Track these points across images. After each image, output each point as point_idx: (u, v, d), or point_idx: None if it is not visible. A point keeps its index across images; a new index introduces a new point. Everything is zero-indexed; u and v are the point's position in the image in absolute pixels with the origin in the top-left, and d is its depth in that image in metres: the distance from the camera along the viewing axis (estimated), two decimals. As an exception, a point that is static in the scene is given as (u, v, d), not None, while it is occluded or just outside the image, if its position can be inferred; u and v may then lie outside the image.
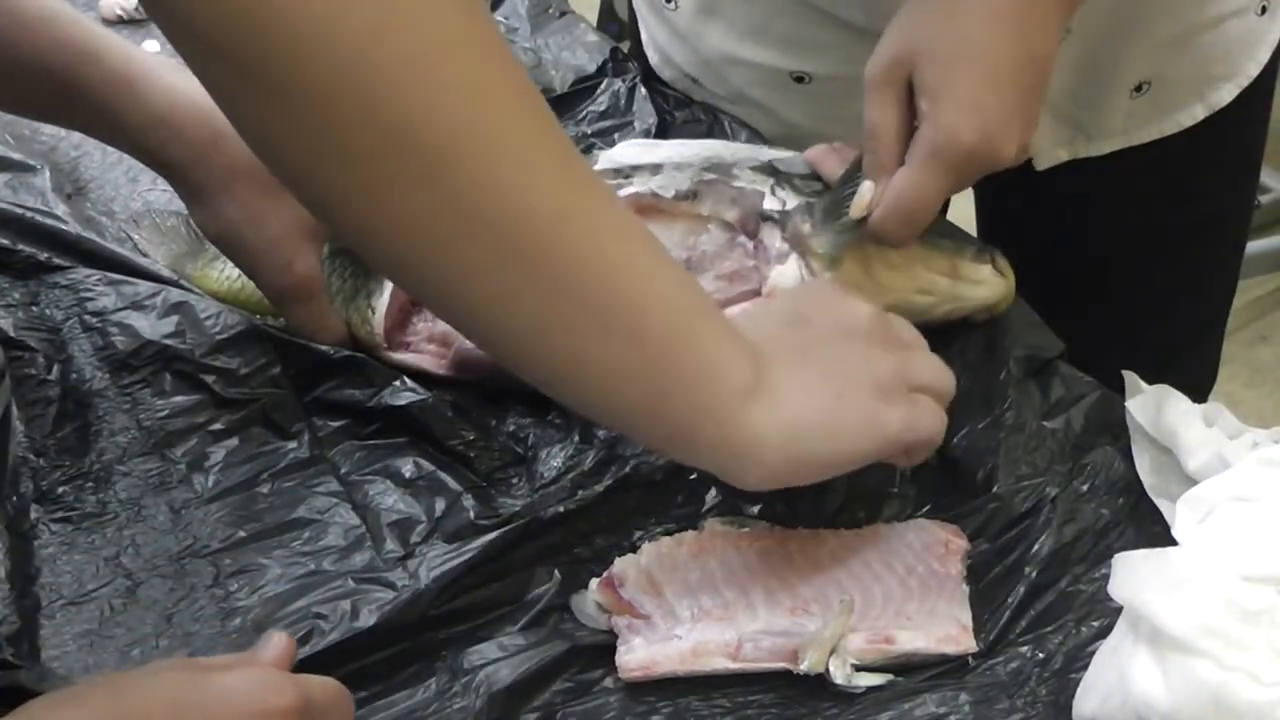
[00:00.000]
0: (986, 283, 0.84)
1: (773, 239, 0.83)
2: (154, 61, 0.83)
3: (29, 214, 0.95)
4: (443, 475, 0.79)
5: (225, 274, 0.91)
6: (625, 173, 0.88)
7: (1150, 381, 0.82)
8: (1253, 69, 1.05)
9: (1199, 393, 1.19)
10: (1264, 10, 1.02)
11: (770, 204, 0.84)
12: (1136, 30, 0.98)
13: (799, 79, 1.03)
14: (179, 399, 0.84)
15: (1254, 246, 2.31)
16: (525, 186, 0.62)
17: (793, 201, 0.84)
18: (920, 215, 0.79)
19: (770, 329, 0.72)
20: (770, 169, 0.87)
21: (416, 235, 0.62)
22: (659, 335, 0.66)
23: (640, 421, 0.69)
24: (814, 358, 0.70)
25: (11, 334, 0.86)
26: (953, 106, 0.78)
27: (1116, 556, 0.66)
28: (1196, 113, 1.04)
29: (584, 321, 0.64)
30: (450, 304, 0.66)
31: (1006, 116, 0.78)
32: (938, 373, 0.74)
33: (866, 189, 0.80)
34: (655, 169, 0.87)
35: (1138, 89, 1.00)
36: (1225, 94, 1.04)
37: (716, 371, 0.67)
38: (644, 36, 1.13)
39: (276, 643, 0.63)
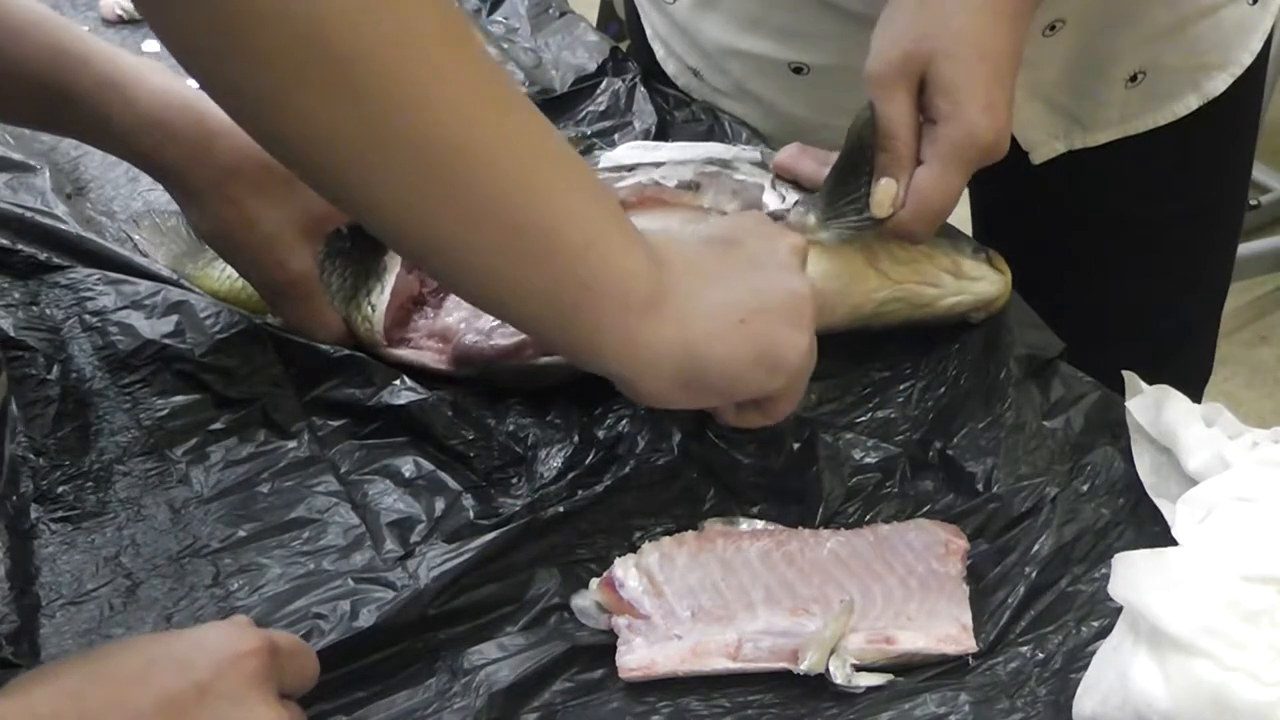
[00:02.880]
0: (986, 278, 0.85)
1: None
2: (143, 64, 0.83)
3: (29, 214, 0.95)
4: (442, 475, 0.79)
5: (225, 274, 0.91)
6: (629, 166, 0.88)
7: (1147, 378, 0.82)
8: (1246, 58, 1.05)
9: (1195, 387, 1.20)
10: (1255, 0, 1.03)
11: (770, 199, 0.84)
12: (1131, 20, 0.98)
13: (797, 70, 1.03)
14: (179, 398, 0.84)
15: (1254, 246, 2.32)
16: (433, 99, 0.62)
17: (793, 197, 0.84)
18: (944, 214, 0.81)
19: (692, 246, 0.74)
20: (768, 165, 0.87)
21: (324, 142, 0.63)
22: (566, 251, 0.67)
23: (547, 331, 0.71)
24: (728, 281, 0.71)
25: (11, 334, 0.86)
26: (976, 107, 0.79)
27: (1116, 556, 0.66)
28: (1190, 102, 1.04)
29: (491, 236, 0.66)
30: (362, 210, 0.67)
31: (1009, 114, 0.79)
32: (814, 344, 0.74)
33: (887, 187, 0.80)
34: (657, 166, 0.88)
35: (1132, 79, 1.01)
36: (1219, 83, 1.05)
37: (622, 287, 0.68)
38: (648, 31, 1.13)
39: (238, 618, 0.66)
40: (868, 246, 0.82)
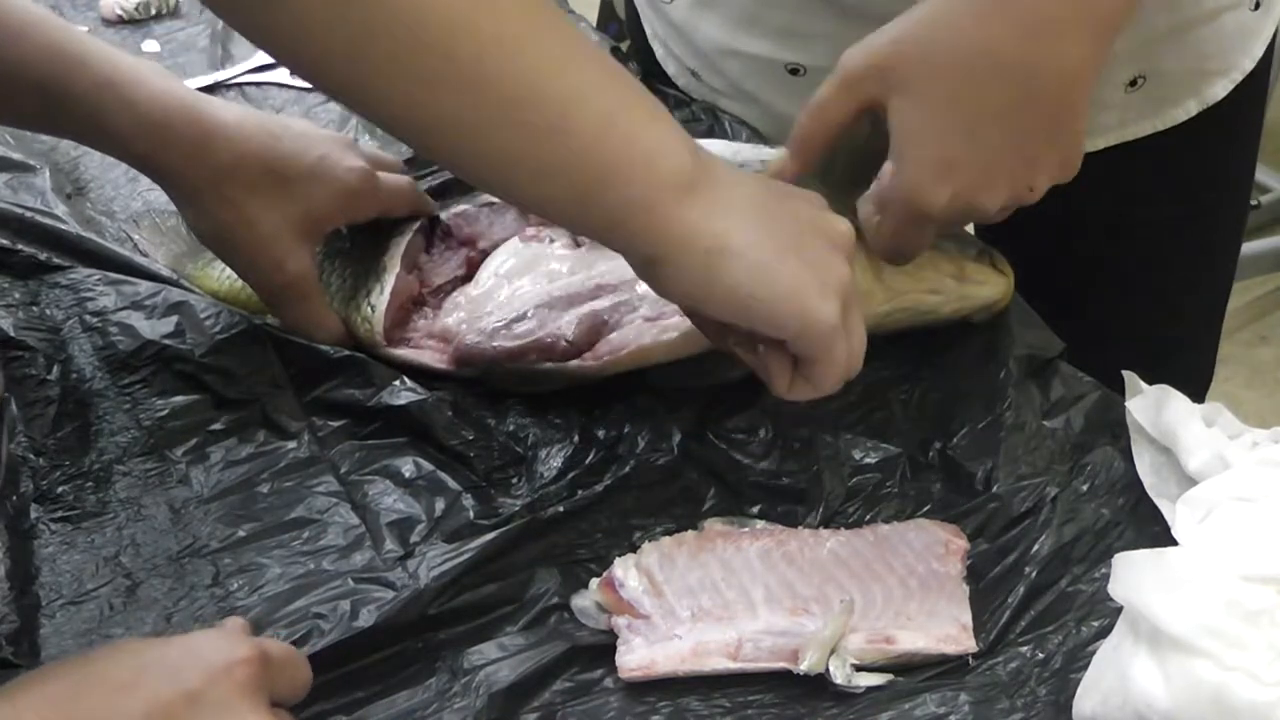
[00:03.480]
0: (990, 282, 0.85)
1: None
2: (141, 66, 0.83)
3: (29, 214, 0.95)
4: (442, 475, 0.79)
5: (225, 274, 0.91)
6: None
7: (1148, 379, 0.82)
8: (1247, 63, 1.05)
9: (1196, 391, 1.19)
10: (1258, 5, 1.02)
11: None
12: (1131, 24, 0.98)
13: (793, 71, 1.03)
14: (179, 399, 0.84)
15: (1254, 246, 2.32)
16: None
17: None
18: (909, 256, 0.80)
19: (748, 178, 0.72)
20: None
21: (320, 35, 0.63)
22: (583, 127, 0.66)
23: (574, 212, 0.70)
24: (776, 217, 0.70)
25: (12, 334, 0.86)
26: (919, 167, 0.76)
27: (1116, 556, 0.66)
28: (1190, 107, 1.04)
29: (497, 118, 0.65)
30: (366, 102, 0.67)
31: (985, 173, 0.76)
32: (861, 344, 0.73)
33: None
34: None
35: (1132, 83, 1.00)
36: (1219, 89, 1.04)
37: (648, 158, 0.67)
38: (647, 31, 1.14)
39: (231, 623, 0.66)
40: (873, 260, 0.82)
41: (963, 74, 0.75)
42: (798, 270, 0.69)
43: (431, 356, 0.85)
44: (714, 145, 0.92)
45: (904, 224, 0.78)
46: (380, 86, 0.65)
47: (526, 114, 0.65)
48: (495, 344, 0.82)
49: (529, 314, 0.83)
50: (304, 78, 0.68)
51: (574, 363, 0.81)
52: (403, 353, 0.86)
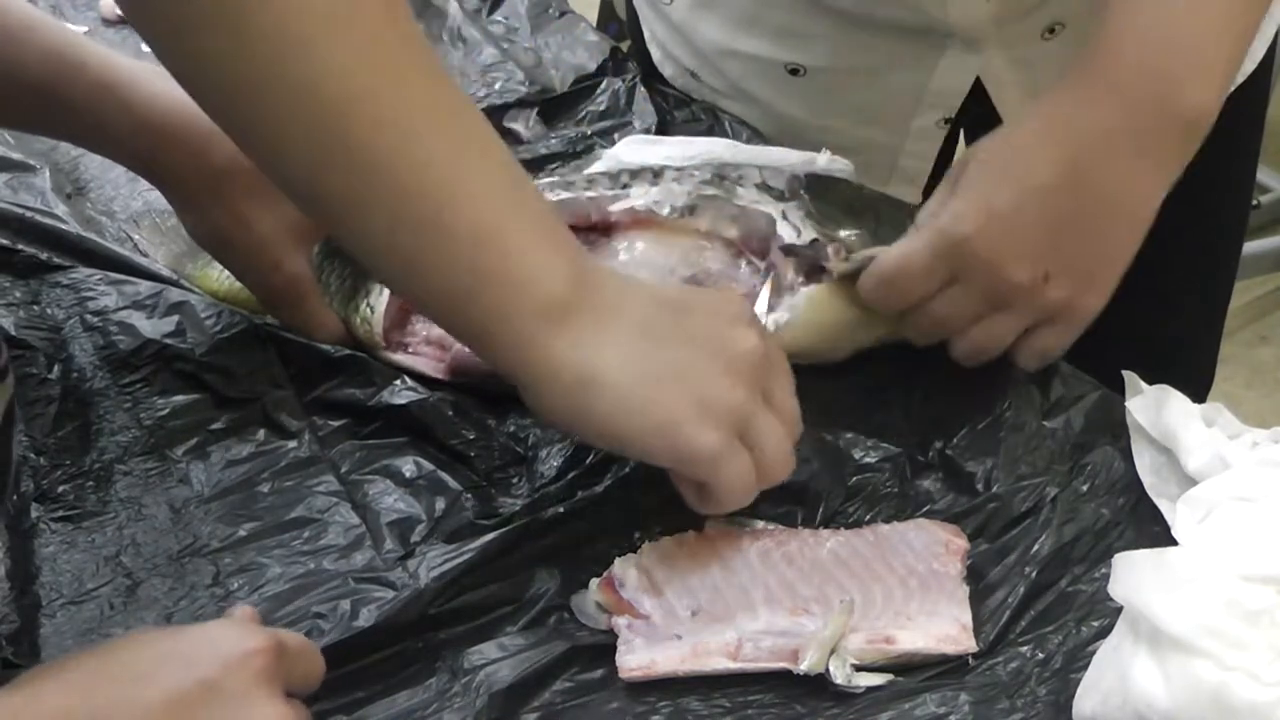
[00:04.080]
0: None
1: (786, 270, 0.83)
2: (139, 68, 0.83)
3: (29, 214, 0.95)
4: (443, 475, 0.79)
5: (225, 274, 0.91)
6: (623, 182, 0.87)
7: (1150, 381, 0.82)
8: (1248, 65, 1.05)
9: (1198, 392, 1.19)
10: None
11: (785, 231, 0.83)
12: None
13: (793, 71, 1.04)
14: (179, 398, 0.84)
15: (1254, 246, 2.32)
16: (322, 50, 0.62)
17: (809, 233, 0.83)
18: (898, 283, 0.79)
19: (641, 297, 0.71)
20: (774, 190, 0.86)
21: (214, 80, 0.63)
22: (461, 232, 0.65)
23: (445, 315, 0.70)
24: (659, 340, 0.69)
25: (13, 333, 0.86)
26: (965, 198, 0.78)
27: (1116, 556, 0.66)
28: None
29: (379, 203, 0.65)
30: (255, 154, 0.67)
31: (1024, 234, 0.77)
32: (778, 453, 0.71)
33: (866, 254, 0.81)
34: (655, 175, 0.87)
35: None
36: None
37: (522, 279, 0.66)
38: (645, 34, 1.14)
39: (241, 613, 0.66)
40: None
41: (1030, 142, 0.79)
42: (674, 400, 0.67)
43: (428, 364, 0.85)
44: (715, 145, 0.92)
45: (927, 247, 0.78)
46: (265, 144, 0.65)
47: (409, 205, 0.65)
48: None
49: None
50: (213, 118, 0.68)
51: None
52: (400, 358, 0.86)
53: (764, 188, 0.86)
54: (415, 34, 0.66)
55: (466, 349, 0.83)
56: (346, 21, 0.63)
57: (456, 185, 0.65)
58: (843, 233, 0.82)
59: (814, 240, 0.82)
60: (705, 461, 0.69)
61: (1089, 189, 0.78)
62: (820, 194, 0.87)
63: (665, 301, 0.71)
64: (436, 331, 0.86)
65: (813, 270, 0.82)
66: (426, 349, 0.86)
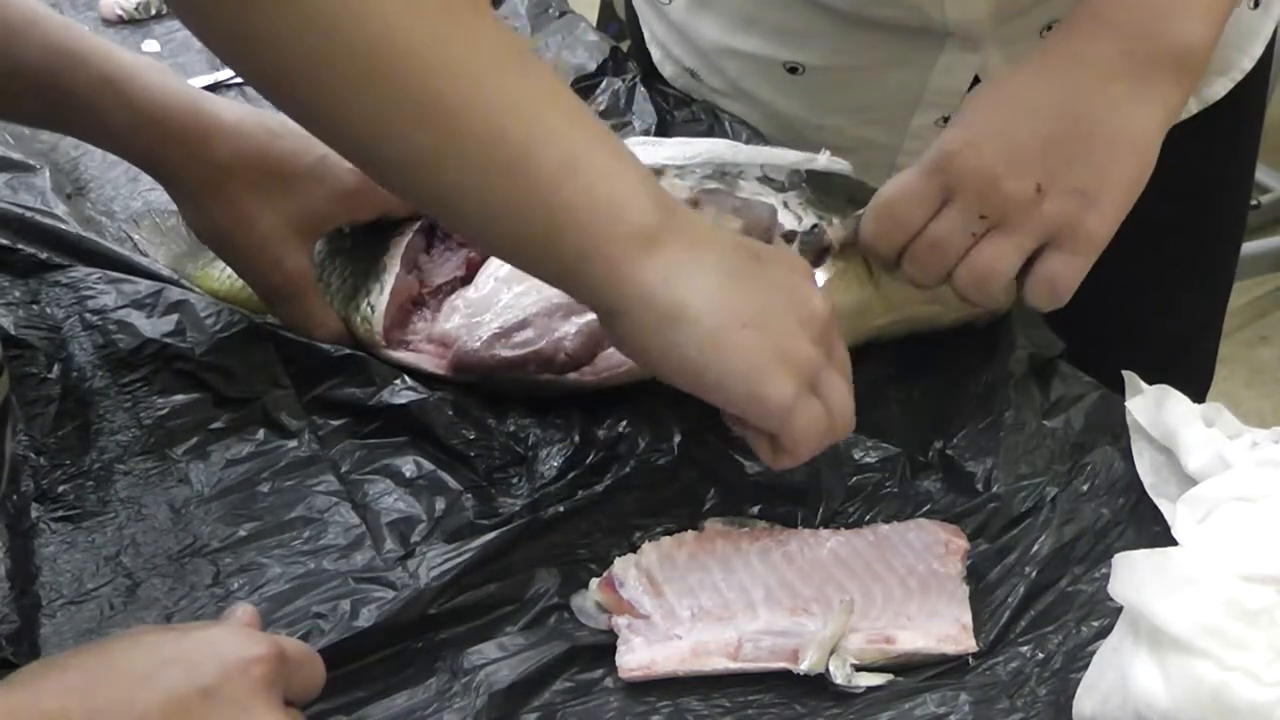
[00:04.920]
0: None
1: None
2: (141, 63, 0.83)
3: (29, 214, 0.94)
4: (443, 475, 0.79)
5: (225, 273, 0.91)
6: None
7: (1150, 381, 0.82)
8: (1246, 63, 1.05)
9: (1198, 392, 1.19)
10: (1257, 4, 1.02)
11: (786, 219, 0.84)
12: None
13: (792, 70, 1.04)
14: (179, 397, 0.84)
15: (1254, 246, 2.32)
16: (389, 11, 0.62)
17: (809, 219, 0.83)
18: (894, 208, 0.79)
19: (720, 236, 0.71)
20: (775, 182, 0.86)
21: (283, 58, 0.63)
22: (544, 170, 0.65)
23: (530, 256, 0.69)
24: (744, 284, 0.68)
25: (12, 332, 0.86)
26: (956, 123, 0.79)
27: (1116, 556, 0.66)
28: (1190, 106, 1.04)
29: (459, 152, 0.64)
30: (326, 128, 0.67)
31: (1013, 148, 0.77)
32: (846, 407, 0.71)
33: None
34: (657, 174, 0.87)
35: None
36: (1219, 88, 1.04)
37: (611, 208, 0.66)
38: (645, 33, 1.14)
39: (242, 613, 0.65)
40: (873, 272, 0.82)
41: (1023, 74, 0.80)
42: (756, 343, 0.67)
43: (430, 361, 0.85)
44: (715, 145, 0.92)
45: (924, 166, 0.79)
46: (340, 115, 0.65)
47: (487, 150, 0.64)
48: (494, 352, 0.82)
49: (528, 322, 0.82)
50: (271, 100, 0.67)
51: (572, 375, 0.81)
52: (401, 356, 0.86)
53: (765, 180, 0.86)
54: None
55: (467, 346, 0.83)
56: None
57: (534, 125, 0.65)
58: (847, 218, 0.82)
59: (814, 226, 0.82)
60: (780, 411, 0.68)
61: (1080, 111, 0.78)
62: (820, 186, 0.87)
63: (743, 246, 0.71)
64: (438, 329, 0.86)
65: (815, 258, 0.82)
66: (427, 347, 0.86)
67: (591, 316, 0.81)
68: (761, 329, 0.67)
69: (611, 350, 0.81)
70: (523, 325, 0.82)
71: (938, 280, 0.80)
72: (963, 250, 0.79)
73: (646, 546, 0.74)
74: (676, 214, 0.68)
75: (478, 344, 0.83)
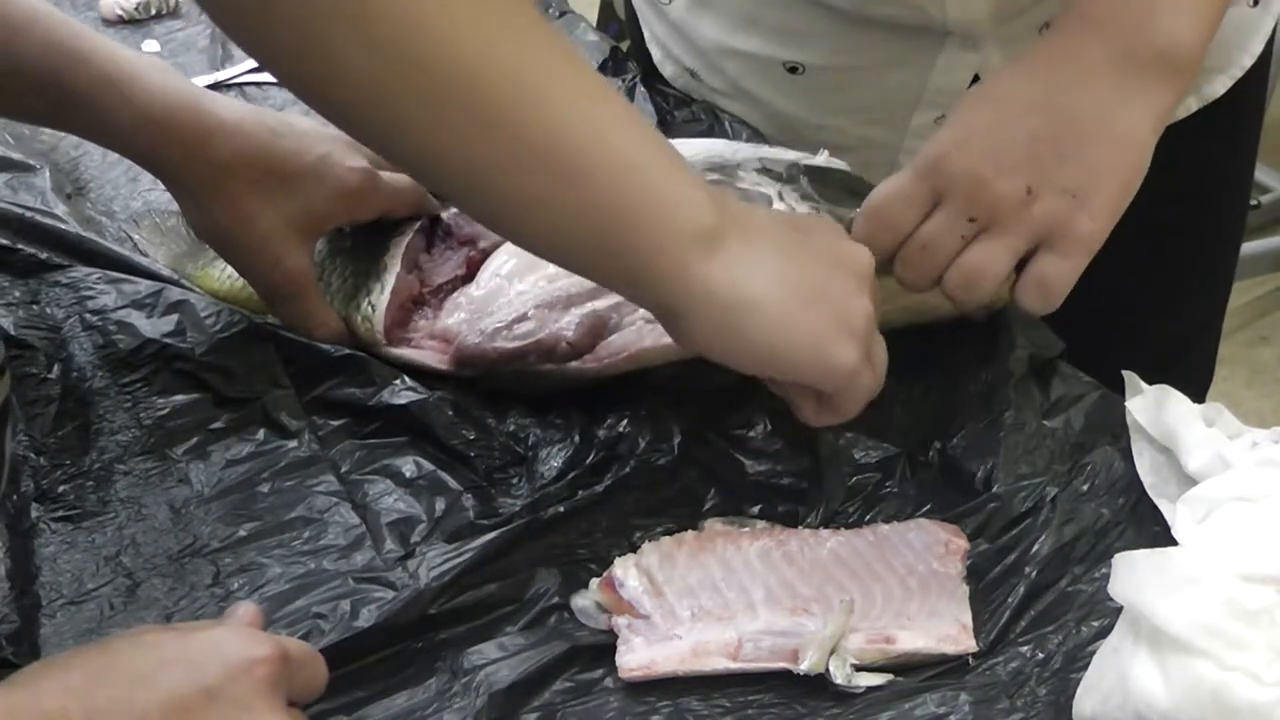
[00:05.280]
0: None
1: None
2: (143, 62, 0.83)
3: (29, 214, 0.94)
4: (443, 475, 0.79)
5: (225, 273, 0.91)
6: None
7: (1150, 381, 0.82)
8: (1246, 60, 1.05)
9: (1198, 392, 1.19)
10: (1256, 2, 1.02)
11: (779, 208, 0.84)
12: None
13: (792, 69, 1.04)
14: (179, 398, 0.84)
15: (1254, 246, 2.32)
16: (445, 28, 0.62)
17: (803, 209, 0.83)
18: (884, 211, 0.79)
19: (768, 217, 0.73)
20: (773, 173, 0.86)
21: (346, 78, 0.63)
22: (601, 173, 0.66)
23: (593, 261, 0.70)
24: (797, 260, 0.70)
25: (12, 332, 0.86)
26: (945, 126, 0.80)
27: (1116, 556, 0.66)
28: (1190, 104, 1.04)
29: (519, 161, 0.65)
30: (390, 146, 0.67)
31: (1002, 148, 0.77)
32: (883, 361, 0.75)
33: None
34: None
35: None
36: (1218, 86, 1.04)
37: (670, 210, 0.67)
38: (645, 34, 1.14)
39: (245, 612, 0.65)
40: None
41: (1009, 73, 0.81)
42: (819, 317, 0.69)
43: (432, 357, 0.85)
44: (715, 145, 0.92)
45: (914, 170, 0.79)
46: (404, 128, 0.65)
47: (547, 158, 0.65)
48: (496, 345, 0.82)
49: (529, 314, 0.82)
50: (333, 121, 0.68)
51: (574, 364, 0.81)
52: (403, 352, 0.86)
53: (764, 171, 0.86)
54: None
55: (469, 341, 0.83)
56: None
57: (590, 132, 0.66)
58: (849, 215, 0.82)
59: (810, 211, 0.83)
60: (846, 375, 0.71)
61: (1067, 110, 0.78)
62: (821, 180, 0.87)
63: (788, 223, 0.73)
64: (439, 327, 0.86)
65: None
66: (429, 343, 0.86)
67: (591, 306, 0.82)
68: (822, 301, 0.70)
69: (613, 338, 0.81)
70: (523, 318, 0.83)
71: (929, 283, 0.80)
72: (953, 252, 0.79)
73: (646, 546, 0.74)
74: (728, 206, 0.70)
75: (479, 337, 0.83)
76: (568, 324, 0.81)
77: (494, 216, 0.70)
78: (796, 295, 0.69)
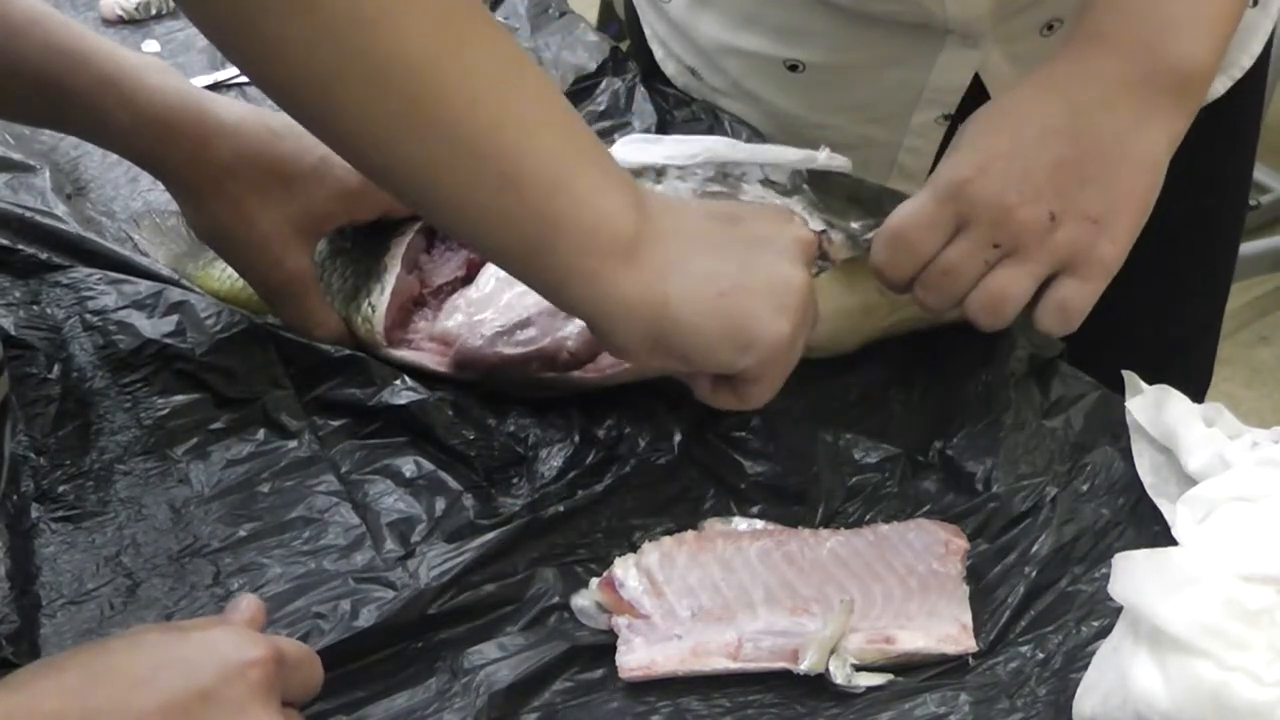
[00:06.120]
0: None
1: None
2: (143, 62, 0.83)
3: (29, 214, 0.94)
4: (443, 475, 0.79)
5: (225, 274, 0.91)
6: (633, 170, 0.87)
7: (1150, 381, 0.82)
8: (1245, 61, 1.05)
9: (1197, 392, 1.19)
10: (1256, 2, 1.02)
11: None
12: None
13: (793, 67, 1.04)
14: (179, 398, 0.84)
15: (1254, 246, 2.32)
16: (398, 23, 0.63)
17: (815, 222, 0.83)
18: (905, 236, 0.79)
19: (692, 215, 0.73)
20: (778, 185, 0.86)
21: (294, 65, 0.64)
22: (535, 185, 0.67)
23: (518, 267, 0.71)
24: (718, 253, 0.71)
25: (13, 333, 0.86)
26: (963, 148, 0.79)
27: (1116, 556, 0.66)
28: None
29: (457, 166, 0.66)
30: (331, 134, 0.68)
31: (1025, 175, 0.77)
32: (802, 341, 0.74)
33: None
34: (658, 174, 0.87)
35: None
36: (1218, 86, 1.04)
37: (593, 224, 0.68)
38: (646, 31, 1.14)
39: (246, 606, 0.65)
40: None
41: (1027, 92, 0.81)
42: (743, 301, 0.70)
43: (431, 359, 0.85)
44: (715, 144, 0.92)
45: (931, 196, 0.78)
46: (346, 123, 0.66)
47: (480, 165, 0.66)
48: (497, 350, 0.82)
49: (531, 320, 0.82)
50: (278, 104, 0.69)
51: (575, 373, 0.81)
52: (403, 354, 0.86)
53: (767, 183, 0.86)
54: None
55: (470, 343, 0.83)
56: None
57: (527, 141, 0.67)
58: (853, 224, 0.82)
59: (823, 231, 0.82)
60: (778, 351, 0.71)
61: (1087, 134, 0.78)
62: (822, 188, 0.87)
63: (716, 214, 0.74)
64: (439, 329, 0.86)
65: (819, 260, 0.82)
66: (428, 345, 0.86)
67: None
68: (746, 282, 0.70)
69: None
70: (525, 324, 0.82)
71: (950, 306, 0.80)
72: (976, 278, 0.79)
73: (646, 546, 0.74)
74: (649, 210, 0.70)
75: (480, 341, 0.83)
76: (570, 332, 0.81)
77: (429, 212, 0.72)
78: (713, 287, 0.69)
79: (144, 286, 0.89)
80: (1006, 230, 0.77)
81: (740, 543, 0.74)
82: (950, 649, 0.70)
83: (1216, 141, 1.08)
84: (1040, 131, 0.78)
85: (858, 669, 0.69)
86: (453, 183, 0.67)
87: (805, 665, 0.68)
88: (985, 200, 0.77)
